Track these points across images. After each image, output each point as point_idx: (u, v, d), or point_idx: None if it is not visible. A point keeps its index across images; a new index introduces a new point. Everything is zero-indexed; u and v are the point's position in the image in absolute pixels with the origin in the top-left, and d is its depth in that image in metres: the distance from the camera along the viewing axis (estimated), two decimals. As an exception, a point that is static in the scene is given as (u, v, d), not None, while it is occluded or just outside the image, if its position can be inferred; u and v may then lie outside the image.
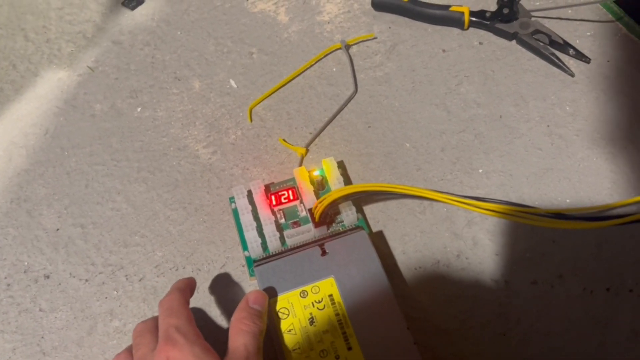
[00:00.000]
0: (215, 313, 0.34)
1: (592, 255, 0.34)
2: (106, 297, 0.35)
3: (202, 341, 0.27)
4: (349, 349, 0.29)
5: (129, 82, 0.45)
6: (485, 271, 0.34)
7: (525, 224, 0.34)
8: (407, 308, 0.33)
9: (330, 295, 0.31)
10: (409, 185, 0.31)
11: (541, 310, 0.32)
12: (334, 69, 0.44)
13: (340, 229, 0.35)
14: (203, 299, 0.34)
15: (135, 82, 0.45)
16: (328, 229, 0.35)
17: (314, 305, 0.30)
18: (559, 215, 0.29)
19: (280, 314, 0.30)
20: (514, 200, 0.36)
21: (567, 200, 0.35)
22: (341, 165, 0.39)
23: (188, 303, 0.30)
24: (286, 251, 0.34)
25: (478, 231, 0.35)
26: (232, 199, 0.37)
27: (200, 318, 0.33)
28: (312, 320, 0.30)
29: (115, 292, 0.35)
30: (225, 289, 0.35)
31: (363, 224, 0.35)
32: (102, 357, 0.33)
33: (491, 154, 0.39)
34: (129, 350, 0.29)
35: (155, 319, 0.29)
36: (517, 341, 0.31)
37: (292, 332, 0.29)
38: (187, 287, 0.31)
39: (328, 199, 0.33)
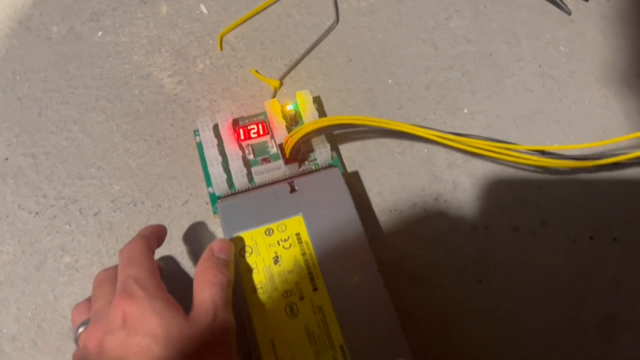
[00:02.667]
0: (175, 251, 0.31)
1: (577, 203, 0.32)
2: (58, 232, 0.32)
3: (165, 294, 0.25)
4: (315, 289, 0.27)
5: (90, 4, 0.41)
6: (465, 216, 0.32)
7: (509, 165, 0.32)
8: (381, 252, 0.31)
9: (298, 234, 0.28)
10: (379, 118, 0.28)
11: (521, 258, 0.30)
12: (315, -2, 0.41)
13: (313, 167, 0.32)
14: (162, 237, 0.32)
15: (96, 4, 0.41)
16: (300, 167, 0.32)
17: (279, 244, 0.28)
18: (539, 152, 0.27)
19: (242, 252, 0.28)
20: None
21: (555, 144, 0.33)
22: (317, 101, 0.36)
23: (152, 253, 0.27)
24: (253, 188, 0.31)
25: (459, 174, 0.33)
26: (196, 132, 0.34)
27: (160, 260, 0.31)
28: (276, 259, 0.28)
29: (68, 227, 0.32)
30: (187, 227, 0.32)
31: (338, 163, 0.33)
32: (52, 294, 0.30)
33: (478, 94, 0.36)
34: (89, 301, 0.27)
35: (117, 268, 0.27)
36: (494, 289, 0.29)
37: (255, 271, 0.27)
38: (154, 235, 0.28)
39: (300, 132, 0.30)
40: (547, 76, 0.36)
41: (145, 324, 0.23)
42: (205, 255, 0.27)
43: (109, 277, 0.27)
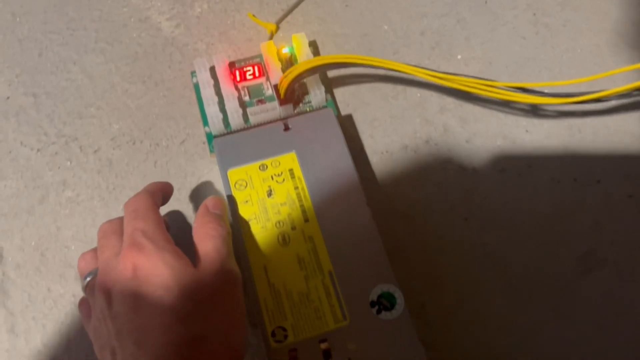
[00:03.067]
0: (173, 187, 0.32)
1: (564, 145, 0.33)
2: (59, 168, 0.33)
3: (173, 246, 0.25)
4: (306, 220, 0.28)
5: (87, -53, 0.41)
6: (454, 158, 0.33)
7: (499, 110, 0.33)
8: (370, 192, 0.32)
9: (291, 170, 0.29)
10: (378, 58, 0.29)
11: (506, 198, 0.31)
12: (313, -57, 0.40)
13: (308, 109, 0.33)
14: (161, 173, 0.33)
15: (94, -53, 0.41)
16: (295, 109, 0.33)
17: (273, 179, 0.29)
18: (522, 89, 0.28)
19: (237, 186, 0.29)
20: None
21: (545, 91, 0.34)
22: (313, 45, 0.37)
23: (157, 206, 0.27)
24: (248, 128, 0.32)
25: (450, 118, 0.34)
26: (193, 74, 0.35)
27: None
28: (270, 193, 0.29)
29: (69, 163, 0.33)
30: (184, 165, 0.33)
31: (332, 105, 0.34)
32: (54, 226, 0.32)
33: (472, 41, 0.36)
34: (95, 251, 0.27)
35: (121, 220, 0.27)
36: (478, 226, 0.31)
37: (249, 203, 0.28)
38: (159, 190, 0.28)
39: (294, 72, 0.31)
40: (541, 24, 0.37)
41: (157, 275, 0.23)
42: (201, 211, 0.27)
43: (114, 228, 0.27)
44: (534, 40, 0.36)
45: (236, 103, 0.33)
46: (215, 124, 0.32)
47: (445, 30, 0.37)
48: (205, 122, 0.33)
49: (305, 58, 0.34)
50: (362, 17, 0.38)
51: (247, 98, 0.34)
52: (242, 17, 0.38)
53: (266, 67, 0.34)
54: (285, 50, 0.35)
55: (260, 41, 0.37)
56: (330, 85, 0.35)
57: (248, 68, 0.34)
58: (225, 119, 0.33)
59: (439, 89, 0.34)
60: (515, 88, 0.29)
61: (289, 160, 0.30)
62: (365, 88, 0.35)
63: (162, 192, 0.29)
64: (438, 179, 0.32)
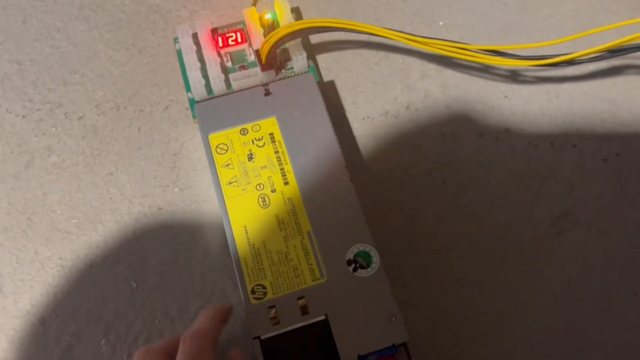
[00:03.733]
0: (156, 153, 0.33)
1: (541, 111, 0.33)
2: (44, 134, 0.34)
3: None
4: (286, 183, 0.29)
5: None
6: (434, 123, 0.33)
7: (479, 77, 0.33)
8: (351, 156, 0.32)
9: (271, 134, 0.30)
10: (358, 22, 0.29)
11: (483, 161, 0.32)
12: None
13: (290, 75, 0.33)
14: (145, 139, 0.33)
15: None
16: (277, 75, 0.33)
17: (253, 143, 0.30)
18: (494, 52, 0.28)
19: (218, 150, 0.29)
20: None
21: (526, 51, 0.34)
22: (296, 11, 0.37)
23: (216, 345, 0.24)
24: (231, 93, 0.32)
25: (431, 84, 0.34)
26: (176, 40, 0.35)
27: (141, 155, 0.33)
28: (250, 156, 0.29)
29: (54, 129, 0.34)
30: (168, 131, 0.34)
31: (314, 71, 0.34)
32: (40, 190, 0.32)
33: (454, 7, 0.37)
34: None
35: (166, 345, 0.24)
36: (455, 189, 0.31)
37: (230, 166, 0.29)
38: (221, 325, 0.25)
39: (275, 36, 0.31)
40: (523, -10, 0.37)
41: None
42: (202, 316, 0.25)
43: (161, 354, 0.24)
44: (516, 6, 0.36)
45: (218, 69, 0.33)
46: (198, 89, 0.32)
47: (427, -4, 0.37)
48: (188, 88, 0.33)
49: (287, 23, 0.34)
50: (345, -17, 0.38)
51: (229, 64, 0.34)
52: (225, -17, 0.38)
53: (248, 33, 0.34)
54: (268, 16, 0.35)
55: (244, 8, 0.37)
56: (312, 51, 0.35)
57: (230, 34, 0.34)
58: (208, 85, 0.33)
59: (420, 55, 0.35)
60: (489, 51, 0.29)
61: (270, 124, 0.30)
62: (347, 54, 0.35)
63: (223, 324, 0.26)
64: (417, 144, 0.33)
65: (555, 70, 0.33)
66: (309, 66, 0.34)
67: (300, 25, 0.31)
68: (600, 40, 0.30)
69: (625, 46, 0.28)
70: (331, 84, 0.35)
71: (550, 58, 0.29)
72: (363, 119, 0.34)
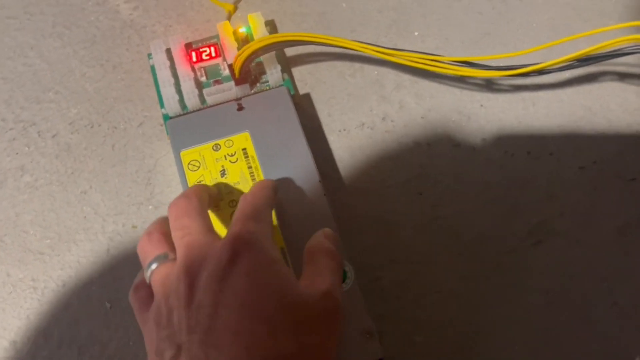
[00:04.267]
0: (130, 170, 0.33)
1: (518, 119, 0.33)
2: (17, 153, 0.33)
3: (283, 260, 0.23)
4: (259, 199, 0.28)
5: None
6: (409, 134, 0.33)
7: (455, 86, 0.33)
8: (327, 168, 0.32)
9: (244, 149, 0.30)
10: (328, 35, 0.29)
11: (460, 172, 0.32)
12: None
13: (265, 88, 0.33)
14: (119, 156, 0.33)
15: None
16: (252, 89, 0.33)
17: (226, 158, 0.29)
18: (465, 63, 0.28)
19: (190, 166, 0.29)
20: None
21: (499, 61, 0.34)
22: (271, 24, 0.37)
23: (272, 209, 0.25)
24: (204, 108, 0.32)
25: (406, 95, 0.34)
26: (150, 55, 0.35)
27: (115, 173, 0.32)
28: (223, 173, 0.29)
29: (27, 148, 0.33)
30: (142, 147, 0.33)
31: (289, 84, 0.34)
32: (13, 211, 0.32)
33: (428, 17, 0.37)
34: (163, 233, 0.24)
35: (206, 200, 0.25)
36: (432, 200, 0.31)
37: (202, 183, 0.29)
38: (275, 190, 0.26)
39: (248, 50, 0.31)
40: (497, 0, 0.37)
41: (260, 276, 0.21)
42: (326, 234, 0.25)
43: (198, 209, 0.24)
44: (490, 15, 0.36)
45: (192, 84, 0.33)
46: (172, 105, 0.32)
47: (402, 7, 0.37)
48: (161, 103, 0.33)
49: (261, 37, 0.34)
50: (319, -4, 0.38)
51: (204, 79, 0.34)
52: (200, -2, 0.38)
53: (222, 47, 0.34)
54: (242, 30, 0.35)
55: (219, 21, 0.37)
56: (287, 64, 0.35)
57: (204, 49, 0.34)
58: (182, 100, 0.33)
59: (395, 67, 0.35)
60: (461, 62, 0.29)
61: (242, 139, 0.30)
62: (322, 66, 0.35)
63: (276, 194, 0.26)
64: (394, 155, 0.32)
65: (531, 78, 0.33)
66: (283, 79, 0.33)
67: (272, 39, 0.30)
68: (575, 48, 0.30)
69: (595, 54, 0.27)
70: (307, 96, 0.35)
71: (522, 68, 0.29)
72: (339, 131, 0.33)
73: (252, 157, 0.29)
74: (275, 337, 0.20)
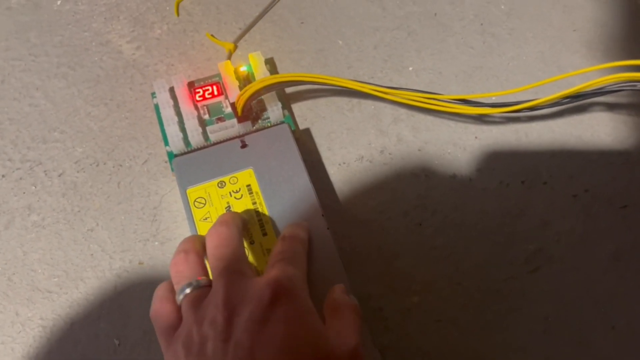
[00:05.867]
0: (136, 207, 0.33)
1: (511, 150, 0.34)
2: (24, 193, 0.34)
3: (314, 310, 0.23)
4: (264, 234, 0.29)
5: (48, -27, 0.42)
6: (407, 166, 0.34)
7: (450, 119, 0.34)
8: (328, 201, 0.33)
9: (249, 186, 0.31)
10: (328, 75, 0.30)
11: (457, 202, 0.33)
12: (268, -37, 0.42)
13: (267, 125, 0.34)
14: (124, 194, 0.34)
15: (54, -27, 0.42)
16: (253, 125, 0.34)
17: (231, 195, 0.30)
18: (462, 100, 0.30)
19: (196, 204, 0.30)
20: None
21: (493, 98, 0.35)
22: (271, 62, 0.38)
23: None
24: (208, 146, 0.33)
25: (403, 128, 0.35)
26: (154, 94, 0.36)
27: (121, 210, 0.33)
28: (228, 209, 0.30)
29: (34, 188, 0.34)
30: (147, 184, 0.34)
31: (289, 121, 0.35)
32: (20, 250, 0.32)
33: (423, 52, 0.38)
34: (200, 256, 0.25)
35: (242, 229, 0.26)
36: (431, 230, 0.32)
37: (208, 220, 0.29)
38: (308, 235, 0.27)
39: (250, 89, 0.32)
40: (487, 34, 0.38)
41: (297, 325, 0.21)
42: (344, 290, 0.26)
43: (236, 242, 0.25)
44: (482, 49, 0.38)
45: (195, 122, 0.34)
46: (176, 143, 0.33)
47: (396, 43, 0.38)
48: (166, 141, 0.34)
49: (262, 76, 0.35)
50: (317, 33, 0.39)
51: (206, 116, 0.35)
52: (201, 37, 0.39)
53: (224, 85, 0.35)
54: (243, 69, 0.36)
55: (219, 60, 0.38)
56: (287, 101, 0.36)
57: (207, 87, 0.35)
58: (186, 138, 0.34)
59: (392, 101, 0.36)
60: (458, 100, 0.30)
61: (247, 176, 0.31)
62: (321, 102, 0.37)
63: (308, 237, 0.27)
64: (393, 187, 0.33)
65: (523, 112, 0.35)
66: (284, 116, 0.35)
67: (273, 79, 0.32)
68: (566, 82, 0.32)
69: (584, 92, 0.29)
70: (307, 131, 0.36)
71: (514, 105, 0.30)
72: (339, 164, 0.34)
73: (257, 193, 0.30)
74: None
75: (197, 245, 0.26)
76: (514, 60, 0.37)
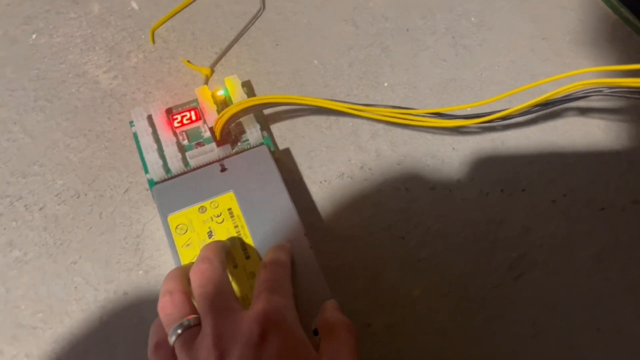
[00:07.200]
0: (119, 237, 0.33)
1: (489, 159, 0.35)
2: (5, 229, 0.34)
3: (306, 338, 0.23)
4: (247, 257, 0.29)
5: (22, 8, 0.42)
6: (387, 180, 0.34)
7: (427, 132, 0.35)
8: (312, 219, 0.33)
9: (230, 209, 0.31)
10: (304, 96, 0.31)
11: (439, 213, 0.33)
12: (241, -13, 0.42)
13: (246, 147, 0.34)
14: (107, 224, 0.34)
15: (29, 8, 0.42)
16: (233, 148, 0.34)
17: (212, 220, 0.30)
18: (436, 114, 0.30)
19: (178, 230, 0.30)
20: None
21: (468, 110, 0.36)
22: (248, 85, 0.38)
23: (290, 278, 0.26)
24: (188, 171, 0.33)
25: (381, 143, 0.36)
26: (132, 123, 0.36)
27: (104, 241, 0.33)
28: (210, 234, 0.30)
29: (14, 223, 0.34)
30: (129, 213, 0.34)
31: (269, 142, 0.35)
32: (3, 287, 0.32)
33: (397, 67, 0.38)
34: (186, 294, 0.25)
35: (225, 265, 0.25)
36: (415, 243, 0.32)
37: (190, 246, 0.29)
38: (290, 257, 0.27)
39: (227, 113, 0.32)
40: (459, 46, 0.39)
41: None
42: (335, 307, 0.26)
43: (221, 279, 0.24)
44: (454, 61, 0.38)
45: (175, 148, 0.34)
46: (156, 170, 0.33)
47: (371, 60, 0.39)
48: (146, 169, 0.34)
49: (239, 99, 0.35)
50: (292, 54, 0.39)
51: (186, 142, 0.35)
52: (177, 63, 0.39)
53: (202, 111, 0.35)
54: (220, 93, 0.36)
55: (196, 85, 0.38)
56: (266, 122, 0.37)
57: (185, 113, 0.35)
58: (165, 165, 0.34)
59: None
60: (433, 114, 0.31)
61: (228, 199, 0.31)
62: (300, 122, 0.37)
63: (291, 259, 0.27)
64: (374, 202, 0.34)
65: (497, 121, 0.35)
66: (263, 137, 0.35)
67: (250, 102, 0.32)
68: (538, 89, 0.32)
69: (554, 99, 0.29)
70: (287, 151, 0.36)
71: (488, 115, 0.30)
72: (320, 182, 0.35)
73: (238, 216, 0.30)
74: None
75: (182, 283, 0.25)
76: (486, 71, 0.38)
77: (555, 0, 0.41)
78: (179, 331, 0.24)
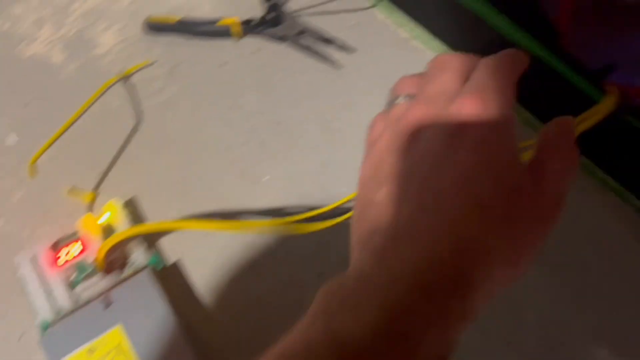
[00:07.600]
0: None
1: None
2: None
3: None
4: (140, 393, 0.29)
5: None
6: (279, 274, 0.35)
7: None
8: (207, 332, 0.34)
9: (118, 345, 0.31)
10: (188, 218, 0.32)
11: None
12: (117, 103, 0.44)
13: (132, 273, 0.35)
14: (2, 378, 0.33)
15: None
16: (122, 273, 0.35)
17: (102, 360, 0.30)
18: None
19: (70, 378, 0.30)
20: (294, 199, 0.37)
21: (343, 189, 0.37)
22: (132, 203, 0.39)
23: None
24: (73, 311, 0.33)
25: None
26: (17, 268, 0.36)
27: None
28: (101, 376, 0.30)
29: None
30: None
31: (155, 260, 0.36)
32: None
33: (274, 160, 0.40)
34: (420, 78, 0.23)
35: (471, 62, 0.22)
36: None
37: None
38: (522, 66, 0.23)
39: (106, 245, 0.33)
40: (330, 130, 0.41)
41: (491, 149, 0.19)
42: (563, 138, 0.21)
43: (459, 67, 0.22)
44: (326, 146, 0.41)
45: (62, 287, 0.34)
46: (46, 312, 0.33)
47: (248, 157, 0.40)
48: (36, 313, 0.34)
49: (121, 223, 0.36)
50: (173, 165, 0.41)
51: (74, 276, 0.35)
52: (60, 193, 0.40)
53: (87, 242, 0.36)
54: (102, 220, 0.37)
55: (81, 213, 0.39)
56: (153, 238, 0.37)
57: (69, 246, 0.36)
58: (55, 305, 0.34)
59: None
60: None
61: (116, 336, 0.31)
62: (187, 231, 0.38)
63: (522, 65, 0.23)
64: (266, 301, 0.35)
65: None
66: (149, 257, 0.35)
67: (129, 232, 0.33)
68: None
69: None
70: (178, 263, 0.37)
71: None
72: (212, 288, 0.35)
73: (127, 350, 0.31)
74: (481, 213, 0.18)
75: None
76: (356, 149, 0.40)
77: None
78: (396, 102, 0.24)
